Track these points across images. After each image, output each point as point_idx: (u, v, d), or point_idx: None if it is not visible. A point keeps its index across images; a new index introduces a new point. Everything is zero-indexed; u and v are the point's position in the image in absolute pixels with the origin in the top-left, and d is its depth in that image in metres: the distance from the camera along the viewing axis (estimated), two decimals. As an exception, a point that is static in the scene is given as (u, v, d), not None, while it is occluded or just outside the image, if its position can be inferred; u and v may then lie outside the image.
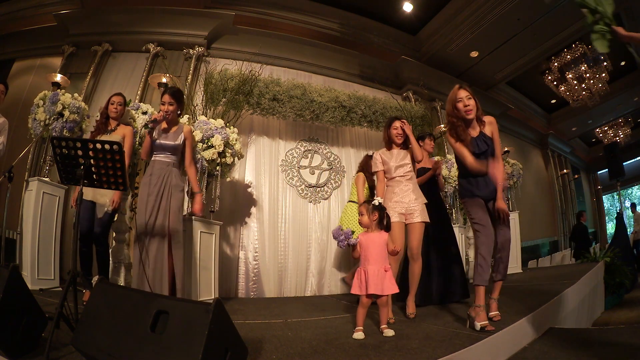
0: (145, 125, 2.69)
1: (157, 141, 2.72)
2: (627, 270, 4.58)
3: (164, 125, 2.79)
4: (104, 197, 2.89)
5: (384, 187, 2.87)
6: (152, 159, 2.74)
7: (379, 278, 2.16)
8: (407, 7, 6.03)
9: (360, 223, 2.32)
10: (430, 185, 3.44)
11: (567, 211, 10.57)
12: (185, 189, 2.99)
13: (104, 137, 2.96)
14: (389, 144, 2.93)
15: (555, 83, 8.09)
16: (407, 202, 2.74)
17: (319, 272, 4.73)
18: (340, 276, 4.74)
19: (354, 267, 3.90)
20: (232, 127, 3.76)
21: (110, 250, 3.25)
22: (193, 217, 3.40)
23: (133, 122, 3.45)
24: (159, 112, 2.79)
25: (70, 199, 3.40)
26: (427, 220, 2.81)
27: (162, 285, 2.58)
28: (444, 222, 3.41)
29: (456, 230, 4.31)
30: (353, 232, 2.25)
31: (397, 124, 2.90)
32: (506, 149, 5.61)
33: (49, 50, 5.29)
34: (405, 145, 2.92)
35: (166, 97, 2.77)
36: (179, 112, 2.88)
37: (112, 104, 3.10)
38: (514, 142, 8.87)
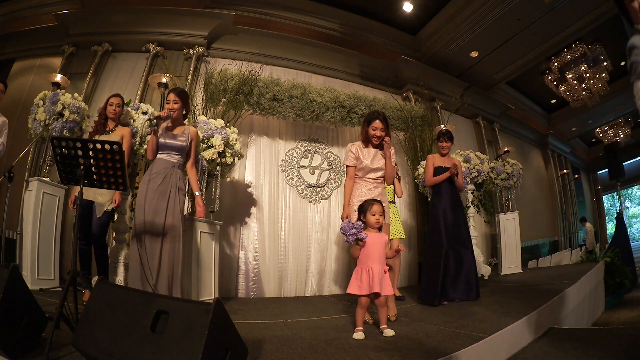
0: (150, 122, 2.69)
1: (163, 140, 2.72)
2: (627, 270, 4.58)
3: (168, 124, 2.79)
4: (103, 197, 2.89)
5: (353, 183, 2.76)
6: (157, 157, 2.74)
7: (382, 277, 2.17)
8: (407, 7, 6.03)
9: (372, 224, 2.28)
10: (449, 185, 3.44)
11: (567, 211, 10.58)
12: (185, 190, 2.99)
13: (103, 138, 2.96)
14: (365, 141, 2.80)
15: (555, 83, 8.09)
16: None
17: (319, 272, 4.73)
18: (340, 276, 4.74)
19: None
20: (232, 127, 3.76)
21: (109, 250, 3.25)
22: (194, 217, 3.40)
23: (133, 122, 3.45)
24: (163, 110, 2.79)
25: (68, 199, 3.39)
26: (388, 222, 2.83)
27: (168, 285, 2.57)
28: (461, 223, 3.39)
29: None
30: (364, 226, 2.24)
31: (376, 124, 2.72)
32: (506, 149, 5.61)
33: (49, 50, 5.29)
34: (382, 146, 2.80)
35: (171, 96, 2.78)
36: (184, 112, 2.88)
37: (111, 105, 3.10)
38: (514, 142, 8.87)
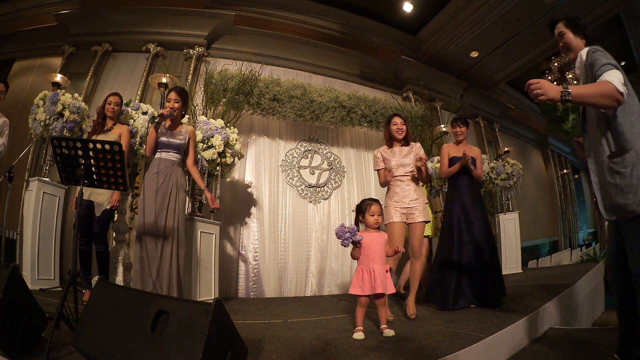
0: (152, 119, 2.70)
1: (163, 139, 2.74)
2: (627, 270, 4.57)
3: (168, 123, 2.81)
4: (102, 196, 2.89)
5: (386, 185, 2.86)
6: (157, 156, 2.75)
7: (384, 277, 2.16)
8: (407, 7, 6.03)
9: (371, 225, 2.28)
10: (467, 176, 3.15)
11: (567, 211, 10.57)
12: (186, 188, 3.00)
13: (101, 137, 2.97)
14: (389, 141, 2.91)
15: (555, 83, 8.08)
16: (407, 202, 2.72)
17: (319, 272, 4.73)
18: (340, 276, 4.73)
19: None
20: (232, 127, 3.76)
21: (110, 250, 3.25)
22: (194, 217, 3.41)
23: (133, 122, 3.45)
24: (164, 109, 2.80)
25: (70, 201, 3.40)
26: (429, 219, 2.81)
27: (170, 285, 2.58)
28: (480, 219, 3.08)
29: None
30: (358, 229, 2.24)
31: (396, 119, 2.89)
32: (506, 149, 5.62)
33: (49, 50, 5.29)
34: (407, 141, 2.90)
35: (172, 95, 2.79)
36: (182, 112, 2.90)
37: (110, 103, 3.12)
38: (514, 142, 8.87)
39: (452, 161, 3.20)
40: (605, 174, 1.52)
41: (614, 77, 1.46)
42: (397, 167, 2.80)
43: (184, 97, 2.87)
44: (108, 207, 2.92)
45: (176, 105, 2.78)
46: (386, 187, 2.88)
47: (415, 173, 2.80)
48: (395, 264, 2.70)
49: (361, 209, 2.33)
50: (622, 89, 1.44)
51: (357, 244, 2.20)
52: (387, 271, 2.21)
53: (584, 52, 1.69)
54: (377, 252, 2.21)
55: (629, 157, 1.47)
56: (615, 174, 1.48)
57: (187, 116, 3.78)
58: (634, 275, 1.48)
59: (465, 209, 3.08)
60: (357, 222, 2.35)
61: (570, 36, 1.75)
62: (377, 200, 2.37)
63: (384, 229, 2.60)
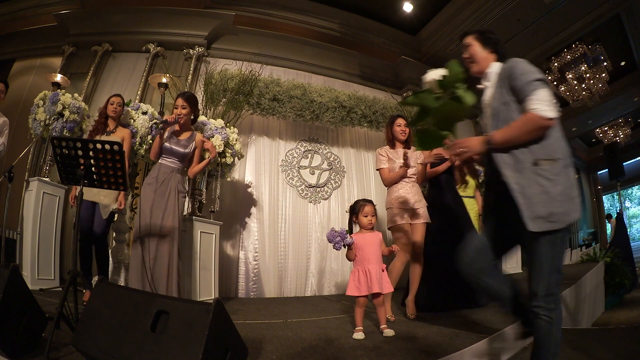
0: (156, 125, 2.68)
1: (168, 145, 2.71)
2: (627, 270, 4.58)
3: (176, 128, 2.78)
4: (107, 198, 2.89)
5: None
6: (159, 161, 2.74)
7: (379, 277, 2.17)
8: (407, 7, 6.03)
9: (364, 225, 2.29)
10: (449, 175, 3.16)
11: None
12: (186, 192, 2.99)
13: (103, 138, 2.96)
14: (391, 142, 2.89)
15: (555, 83, 8.08)
16: (413, 203, 2.72)
17: (319, 272, 4.73)
18: (340, 276, 4.74)
19: None
20: (232, 127, 3.76)
21: (110, 250, 3.25)
22: (193, 217, 3.41)
23: (133, 122, 3.45)
24: (171, 114, 2.78)
25: (69, 197, 3.39)
26: (429, 221, 2.80)
27: (168, 287, 2.58)
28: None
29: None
30: (347, 232, 2.25)
31: (400, 121, 2.88)
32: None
33: (49, 50, 5.29)
34: (408, 144, 2.89)
35: (179, 101, 2.76)
36: (192, 117, 2.87)
37: (112, 104, 3.11)
38: (514, 142, 8.85)
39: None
40: (531, 182, 1.42)
41: (542, 100, 1.40)
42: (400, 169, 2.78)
43: (192, 102, 2.81)
44: (115, 207, 2.92)
45: (183, 111, 2.74)
46: (387, 188, 2.86)
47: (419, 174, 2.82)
48: (402, 267, 2.68)
49: (355, 210, 2.34)
50: (551, 113, 1.39)
51: (349, 247, 2.21)
52: (383, 270, 2.22)
53: (496, 66, 1.64)
54: (372, 252, 2.21)
55: (559, 165, 1.42)
56: (545, 180, 1.40)
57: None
58: (535, 297, 1.43)
59: (451, 208, 3.09)
60: (350, 223, 2.36)
61: (476, 48, 1.69)
62: (370, 201, 2.36)
63: (381, 229, 2.61)
